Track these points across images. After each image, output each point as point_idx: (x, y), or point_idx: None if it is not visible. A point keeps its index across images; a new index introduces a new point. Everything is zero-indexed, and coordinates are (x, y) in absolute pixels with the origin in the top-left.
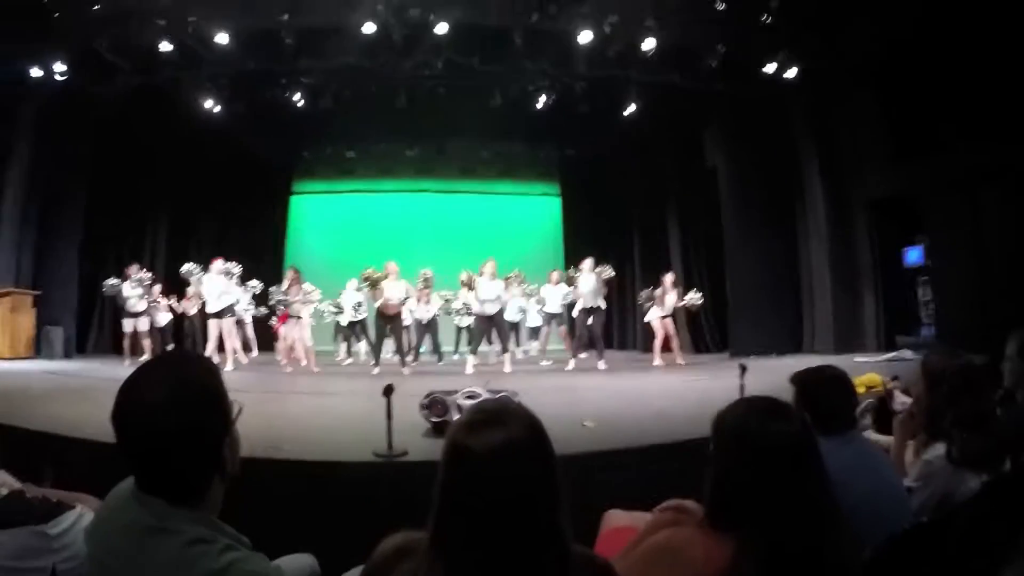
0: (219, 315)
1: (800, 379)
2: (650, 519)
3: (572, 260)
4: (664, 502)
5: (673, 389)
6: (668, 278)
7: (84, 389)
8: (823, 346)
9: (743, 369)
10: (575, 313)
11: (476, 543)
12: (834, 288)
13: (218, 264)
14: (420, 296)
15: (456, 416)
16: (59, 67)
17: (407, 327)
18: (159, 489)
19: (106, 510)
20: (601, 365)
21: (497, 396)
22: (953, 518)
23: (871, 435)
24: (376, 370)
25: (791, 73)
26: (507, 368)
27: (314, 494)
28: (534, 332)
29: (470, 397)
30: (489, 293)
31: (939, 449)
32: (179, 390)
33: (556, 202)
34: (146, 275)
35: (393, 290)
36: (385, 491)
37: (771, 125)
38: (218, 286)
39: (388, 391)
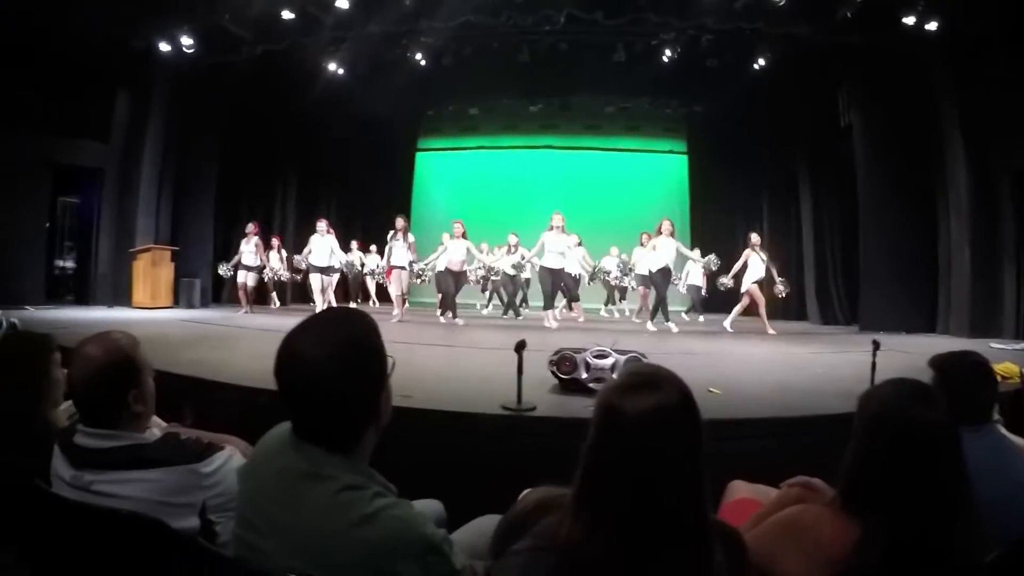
0: (325, 271)
1: (940, 364)
2: (776, 494)
3: (698, 219)
4: (792, 478)
5: (799, 361)
6: (754, 238)
7: (219, 336)
8: (958, 328)
9: (876, 346)
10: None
11: (619, 503)
12: (973, 265)
13: (323, 224)
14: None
15: (584, 374)
16: (186, 41)
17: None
18: (317, 438)
19: (262, 453)
20: (650, 327)
21: (626, 356)
22: None
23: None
24: (460, 321)
25: (932, 26)
26: (580, 319)
27: (443, 443)
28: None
29: (599, 356)
30: (555, 246)
31: None
32: (342, 347)
33: (682, 159)
34: (252, 229)
35: (456, 250)
36: (512, 444)
37: (911, 83)
38: (327, 245)
39: (520, 347)
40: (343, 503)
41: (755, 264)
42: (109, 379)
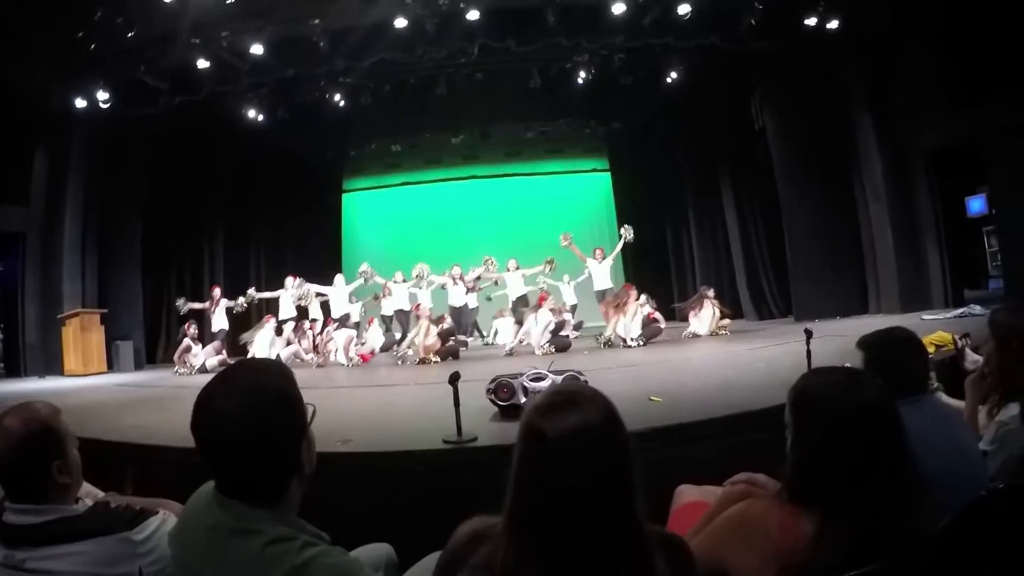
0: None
1: (868, 343)
2: (720, 493)
3: None
4: (734, 476)
5: (739, 359)
6: (709, 293)
7: (156, 398)
8: (889, 305)
9: (808, 334)
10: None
11: (550, 526)
12: (896, 244)
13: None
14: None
15: (523, 399)
16: (102, 95)
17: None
18: (240, 492)
19: (189, 514)
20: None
21: (563, 376)
22: None
23: (944, 397)
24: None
25: (833, 24)
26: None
27: (387, 484)
28: None
29: (536, 379)
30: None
31: (1013, 410)
32: (255, 398)
33: (605, 177)
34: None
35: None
36: (457, 477)
37: (820, 81)
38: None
39: (454, 379)
40: (271, 557)
41: (704, 317)
42: (30, 451)
